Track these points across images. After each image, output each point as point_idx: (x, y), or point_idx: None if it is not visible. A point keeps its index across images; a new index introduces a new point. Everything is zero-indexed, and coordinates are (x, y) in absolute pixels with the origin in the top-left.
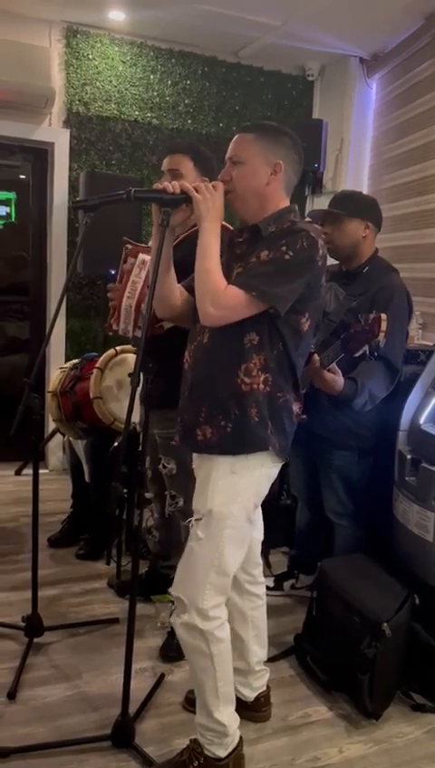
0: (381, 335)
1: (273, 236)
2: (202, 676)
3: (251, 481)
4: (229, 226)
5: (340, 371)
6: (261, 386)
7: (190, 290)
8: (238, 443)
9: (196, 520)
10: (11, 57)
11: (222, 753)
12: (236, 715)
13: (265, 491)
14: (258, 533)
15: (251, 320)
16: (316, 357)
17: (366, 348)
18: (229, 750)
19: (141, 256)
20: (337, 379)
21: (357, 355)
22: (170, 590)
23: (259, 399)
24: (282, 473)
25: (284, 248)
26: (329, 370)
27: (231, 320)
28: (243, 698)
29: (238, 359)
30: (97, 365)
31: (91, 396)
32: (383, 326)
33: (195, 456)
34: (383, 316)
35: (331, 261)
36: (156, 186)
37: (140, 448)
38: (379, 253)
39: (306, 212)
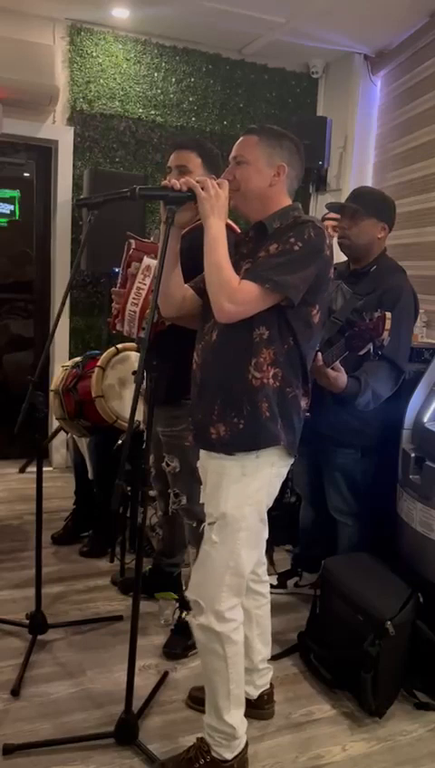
0: (386, 334)
1: (279, 231)
2: (215, 678)
3: (262, 482)
4: (235, 227)
5: (343, 369)
6: (271, 380)
7: (198, 290)
8: (251, 439)
9: (209, 524)
10: (15, 55)
11: (229, 756)
12: (245, 719)
13: (276, 491)
14: None
15: (260, 314)
16: (319, 355)
17: (370, 346)
18: (236, 753)
19: (146, 261)
20: (340, 376)
21: (361, 353)
22: (186, 593)
23: (269, 394)
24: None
25: (292, 240)
26: (332, 368)
27: (247, 314)
28: (247, 696)
29: (248, 353)
30: (98, 364)
31: (93, 395)
32: (388, 325)
33: (202, 455)
34: (388, 315)
35: (338, 259)
36: (163, 183)
37: (144, 446)
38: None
39: (310, 209)
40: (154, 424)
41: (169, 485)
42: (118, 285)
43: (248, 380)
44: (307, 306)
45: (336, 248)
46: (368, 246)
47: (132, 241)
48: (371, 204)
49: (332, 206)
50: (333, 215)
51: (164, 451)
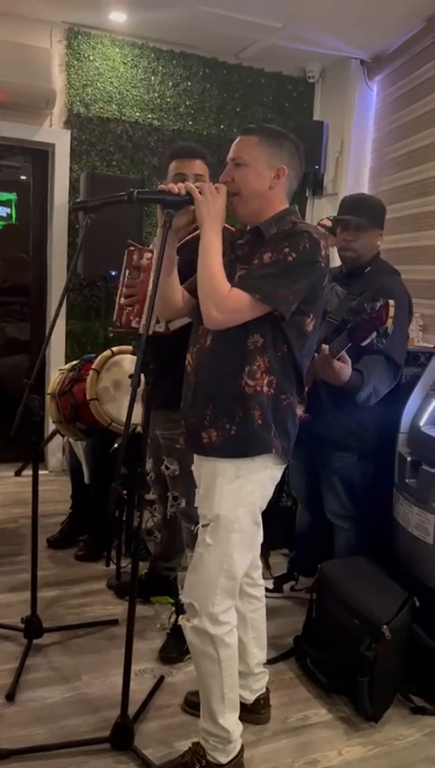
0: (389, 321)
1: (275, 238)
2: (209, 681)
3: (256, 484)
4: (231, 228)
5: (350, 361)
6: (265, 388)
7: (192, 292)
8: (243, 446)
9: (203, 526)
10: (12, 58)
11: (224, 760)
12: (240, 722)
13: (270, 493)
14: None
15: (255, 321)
16: (325, 346)
17: (374, 335)
18: (231, 757)
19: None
20: (345, 368)
21: (365, 344)
22: (181, 596)
23: (263, 402)
24: (282, 474)
25: (286, 250)
26: (339, 359)
27: (235, 323)
28: (242, 701)
29: (242, 361)
30: (93, 366)
31: (88, 397)
32: (391, 312)
33: (196, 458)
34: (391, 302)
35: (334, 264)
36: (161, 186)
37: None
38: (381, 255)
39: (307, 213)
40: (154, 427)
41: (169, 489)
42: (121, 286)
43: (241, 387)
44: (301, 315)
45: (333, 251)
46: (370, 255)
47: (132, 248)
48: (373, 215)
49: (334, 221)
50: (326, 221)
51: (163, 454)
